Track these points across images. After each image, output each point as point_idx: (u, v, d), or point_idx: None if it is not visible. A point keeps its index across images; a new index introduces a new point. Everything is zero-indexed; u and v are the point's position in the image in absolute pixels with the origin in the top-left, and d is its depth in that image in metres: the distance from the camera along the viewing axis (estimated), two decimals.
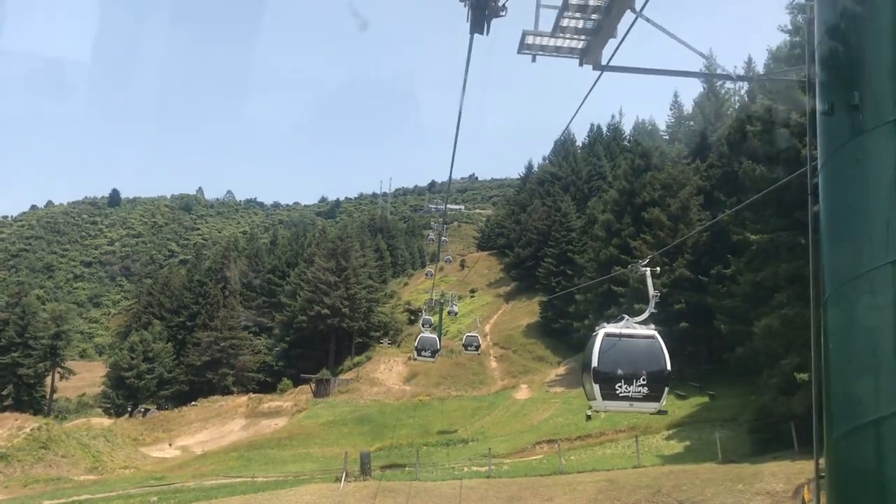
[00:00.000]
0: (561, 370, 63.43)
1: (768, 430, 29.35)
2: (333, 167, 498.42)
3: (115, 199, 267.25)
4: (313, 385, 71.78)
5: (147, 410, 75.49)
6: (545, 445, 38.88)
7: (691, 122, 66.97)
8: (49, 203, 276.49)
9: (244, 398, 71.26)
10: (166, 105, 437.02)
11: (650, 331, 12.77)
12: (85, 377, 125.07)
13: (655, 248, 46.13)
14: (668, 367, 12.57)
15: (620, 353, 12.37)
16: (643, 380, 12.33)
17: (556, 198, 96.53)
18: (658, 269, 14.93)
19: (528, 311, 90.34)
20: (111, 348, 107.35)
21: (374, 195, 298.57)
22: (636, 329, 12.73)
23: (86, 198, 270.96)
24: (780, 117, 30.20)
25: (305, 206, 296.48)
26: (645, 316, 13.14)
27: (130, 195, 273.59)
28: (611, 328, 12.57)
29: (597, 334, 12.60)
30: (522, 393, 59.54)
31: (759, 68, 48.42)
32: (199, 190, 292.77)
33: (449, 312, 77.16)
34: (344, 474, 29.86)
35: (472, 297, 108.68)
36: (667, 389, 12.86)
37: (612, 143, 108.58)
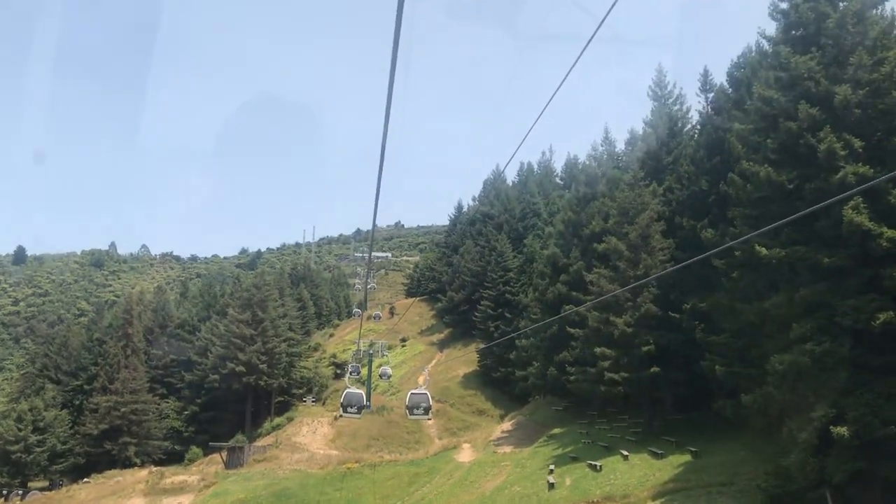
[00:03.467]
0: (507, 426, 56.51)
1: (791, 499, 23.02)
2: (254, 218, 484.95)
3: (20, 256, 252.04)
4: (224, 454, 62.78)
5: (27, 492, 64.97)
6: None
7: (625, 149, 62.36)
8: None
9: (144, 472, 61.77)
10: (74, 159, 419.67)
11: None
12: None
13: (616, 282, 40.30)
14: None
15: None
16: None
17: (490, 237, 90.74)
18: None
19: (465, 359, 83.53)
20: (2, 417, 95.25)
21: (298, 245, 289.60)
22: None
23: None
24: (782, 108, 24.56)
25: (225, 258, 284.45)
26: None
27: (37, 252, 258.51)
28: None
29: None
30: (465, 454, 52.36)
31: (718, 78, 43.61)
32: (112, 245, 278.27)
33: (381, 376, 69.60)
34: None
35: (403, 346, 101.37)
36: None
37: (545, 181, 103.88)
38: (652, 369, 37.54)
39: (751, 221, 26.13)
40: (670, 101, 48.96)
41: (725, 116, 39.12)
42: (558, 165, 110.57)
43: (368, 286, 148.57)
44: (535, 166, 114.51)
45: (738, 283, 27.93)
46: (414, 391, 29.00)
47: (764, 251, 23.87)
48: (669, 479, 31.28)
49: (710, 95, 43.14)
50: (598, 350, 39.55)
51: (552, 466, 38.63)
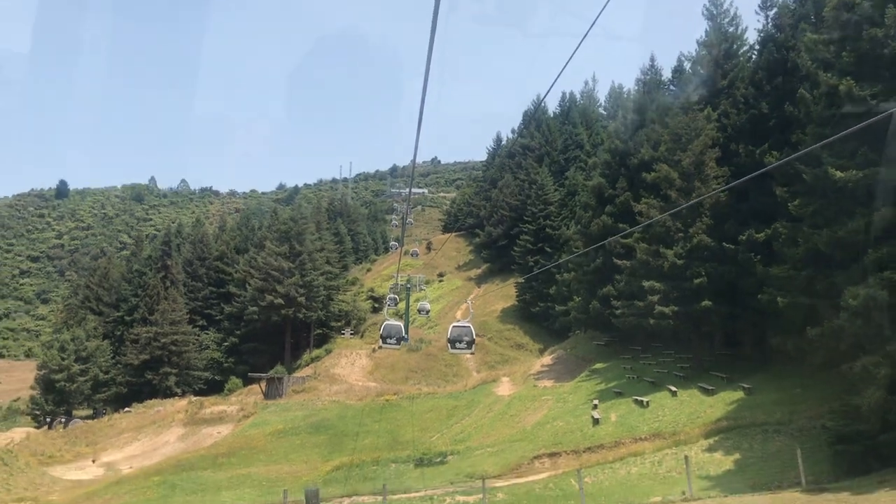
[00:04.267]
0: (547, 360, 55.39)
1: (860, 440, 21.46)
2: (292, 154, 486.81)
3: (62, 190, 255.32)
4: (263, 385, 62.88)
5: (69, 420, 65.92)
6: (546, 460, 30.72)
7: (671, 78, 59.84)
8: None
9: (184, 402, 62.15)
10: (114, 94, 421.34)
11: None
12: (27, 378, 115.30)
13: (663, 209, 38.34)
14: None
15: None
16: None
17: (530, 171, 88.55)
18: None
19: (502, 294, 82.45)
20: (44, 347, 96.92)
21: (335, 181, 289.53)
22: None
23: (32, 190, 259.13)
24: (865, 14, 22.21)
25: (263, 193, 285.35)
26: None
27: (79, 186, 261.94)
28: None
29: None
30: (504, 388, 51.52)
31: None
32: (152, 179, 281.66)
33: (420, 311, 68.86)
34: None
35: (440, 281, 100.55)
36: None
37: (588, 111, 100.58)
38: (703, 303, 35.81)
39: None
40: (726, 20, 45.86)
41: (789, 33, 36.48)
42: (602, 95, 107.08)
43: (406, 222, 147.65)
44: (578, 96, 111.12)
45: (804, 210, 25.89)
46: (456, 323, 26.67)
47: (838, 174, 21.85)
48: (722, 417, 29.85)
49: (772, 13, 40.18)
50: (646, 283, 37.85)
51: (596, 401, 37.45)
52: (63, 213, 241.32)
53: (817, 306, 24.49)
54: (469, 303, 31.35)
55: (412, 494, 27.12)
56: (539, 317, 72.11)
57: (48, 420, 69.04)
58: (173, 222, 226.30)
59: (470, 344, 25.03)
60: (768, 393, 31.50)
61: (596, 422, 34.01)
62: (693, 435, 28.33)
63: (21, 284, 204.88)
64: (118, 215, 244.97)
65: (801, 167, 24.79)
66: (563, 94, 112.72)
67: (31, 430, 62.72)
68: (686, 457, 22.65)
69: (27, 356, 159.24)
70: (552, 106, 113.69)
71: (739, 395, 32.33)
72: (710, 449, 26.81)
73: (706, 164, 38.77)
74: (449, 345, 26.00)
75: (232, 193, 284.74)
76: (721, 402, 31.91)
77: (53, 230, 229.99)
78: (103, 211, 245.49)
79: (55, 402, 72.61)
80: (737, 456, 25.63)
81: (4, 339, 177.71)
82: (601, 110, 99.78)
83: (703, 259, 36.80)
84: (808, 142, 25.64)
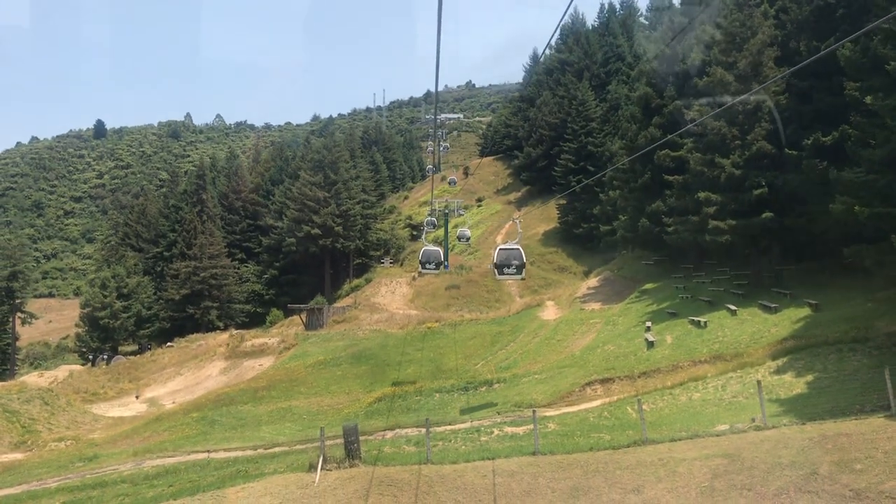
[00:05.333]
0: (593, 282, 53.34)
1: None
2: (325, 84, 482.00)
3: (100, 130, 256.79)
4: (304, 316, 62.08)
5: (112, 356, 66.05)
6: (598, 387, 28.86)
7: None
8: (34, 139, 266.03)
9: (225, 335, 61.68)
10: (145, 31, 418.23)
11: None
12: (76, 316, 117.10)
13: (721, 119, 35.45)
14: None
15: None
16: None
17: (570, 87, 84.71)
18: None
19: (543, 216, 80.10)
20: (88, 285, 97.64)
21: (369, 110, 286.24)
22: None
23: (70, 131, 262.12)
24: None
25: (298, 125, 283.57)
26: None
27: (116, 125, 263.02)
28: None
29: None
30: (549, 312, 49.78)
31: None
32: (188, 116, 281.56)
33: (459, 238, 67.04)
34: (321, 460, 19.99)
35: (479, 206, 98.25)
36: None
37: (629, 21, 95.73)
38: (764, 215, 33.20)
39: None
40: None
41: None
42: (643, 4, 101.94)
43: (441, 147, 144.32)
44: (618, 6, 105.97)
45: (884, 104, 23.05)
46: (503, 246, 23.58)
47: None
48: (788, 336, 27.59)
49: None
50: (701, 195, 35.24)
51: (649, 323, 35.43)
52: (102, 152, 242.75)
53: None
54: (517, 222, 28.11)
55: (458, 426, 25.61)
56: (582, 238, 69.86)
57: (90, 357, 69.52)
58: (210, 157, 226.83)
59: (520, 268, 22.51)
60: (838, 309, 29.06)
61: (650, 345, 32.05)
62: (758, 356, 26.17)
63: (66, 224, 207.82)
64: (156, 153, 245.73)
65: (883, 52, 21.85)
66: (602, 5, 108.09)
67: (75, 367, 63.04)
68: (758, 381, 20.56)
69: (76, 295, 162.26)
70: (590, 18, 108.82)
71: (806, 311, 29.98)
72: (779, 371, 24.66)
73: (764, 64, 35.63)
74: (495, 270, 23.20)
75: (267, 126, 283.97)
76: (786, 321, 29.59)
77: (94, 170, 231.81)
78: (141, 149, 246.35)
79: (100, 338, 73.16)
80: (809, 378, 23.47)
81: (53, 278, 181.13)
82: (643, 20, 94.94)
83: (763, 168, 34.05)
84: (887, 29, 22.60)
